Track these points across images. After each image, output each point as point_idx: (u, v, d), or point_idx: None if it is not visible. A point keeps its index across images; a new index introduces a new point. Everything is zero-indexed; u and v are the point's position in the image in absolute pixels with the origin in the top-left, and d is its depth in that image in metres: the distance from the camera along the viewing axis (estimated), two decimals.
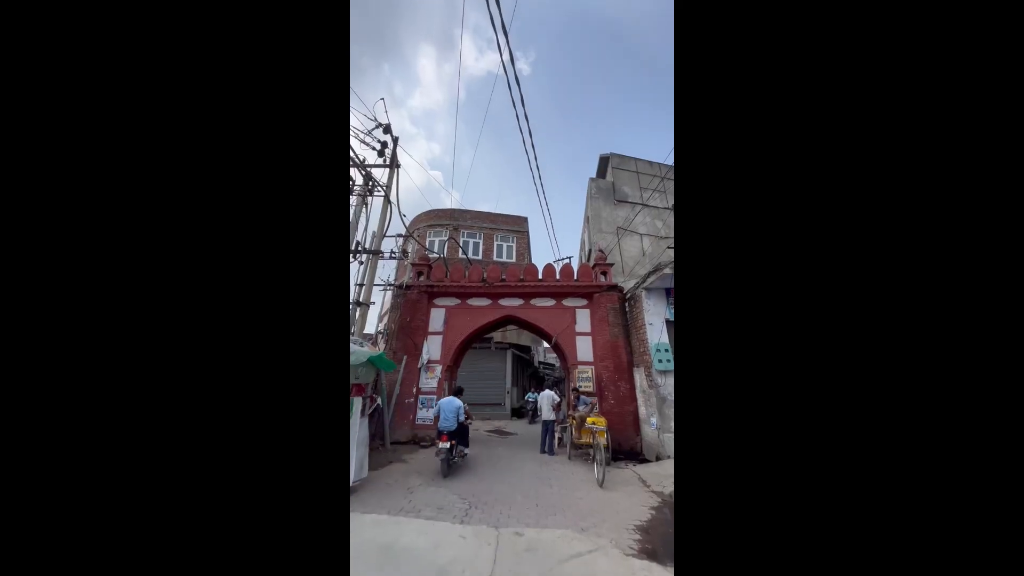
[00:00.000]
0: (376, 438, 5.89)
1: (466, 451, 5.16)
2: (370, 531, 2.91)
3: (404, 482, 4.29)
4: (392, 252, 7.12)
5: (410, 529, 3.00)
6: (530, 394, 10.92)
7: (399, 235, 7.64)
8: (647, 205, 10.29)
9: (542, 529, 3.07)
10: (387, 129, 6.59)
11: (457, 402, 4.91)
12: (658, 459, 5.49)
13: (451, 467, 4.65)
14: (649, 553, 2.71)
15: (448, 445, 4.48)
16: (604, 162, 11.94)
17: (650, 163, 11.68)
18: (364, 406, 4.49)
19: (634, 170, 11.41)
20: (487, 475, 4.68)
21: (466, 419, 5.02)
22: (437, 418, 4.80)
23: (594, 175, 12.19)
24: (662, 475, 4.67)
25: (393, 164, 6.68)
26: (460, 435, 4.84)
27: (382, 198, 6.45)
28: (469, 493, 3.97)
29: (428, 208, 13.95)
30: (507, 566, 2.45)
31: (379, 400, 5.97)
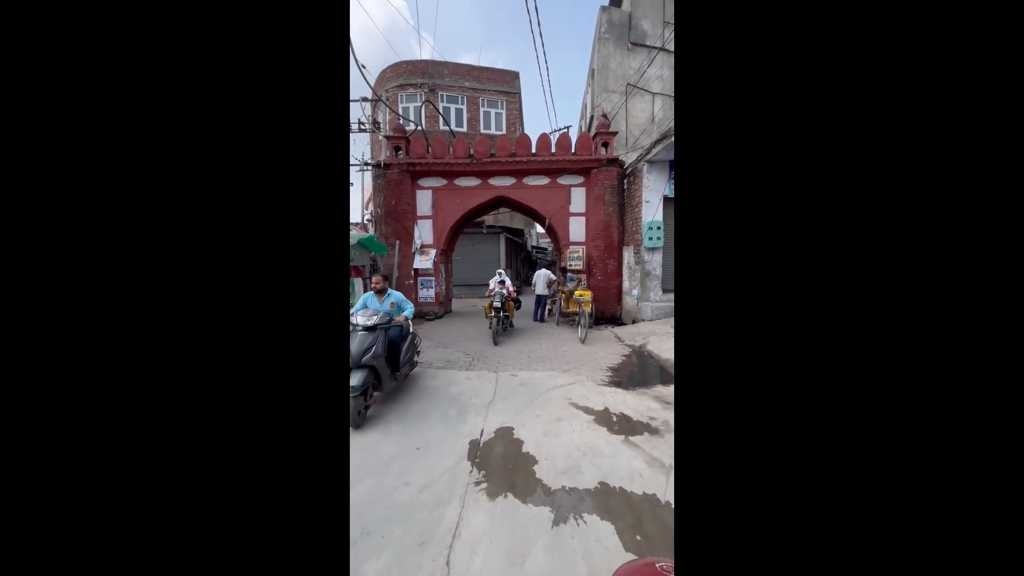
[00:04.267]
0: None
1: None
2: None
3: None
4: (360, 123, 6.10)
5: (424, 376, 3.68)
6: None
7: (364, 99, 6.40)
8: (666, 50, 8.31)
9: (533, 371, 3.80)
10: None
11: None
12: (634, 322, 6.31)
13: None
14: (616, 383, 3.47)
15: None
16: None
17: None
18: (364, 286, 4.78)
19: None
20: (486, 338, 5.42)
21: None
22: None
23: (606, 3, 9.39)
24: (635, 333, 5.47)
25: None
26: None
27: None
28: (471, 351, 4.69)
29: (395, 60, 11.21)
30: (505, 394, 3.14)
31: None
